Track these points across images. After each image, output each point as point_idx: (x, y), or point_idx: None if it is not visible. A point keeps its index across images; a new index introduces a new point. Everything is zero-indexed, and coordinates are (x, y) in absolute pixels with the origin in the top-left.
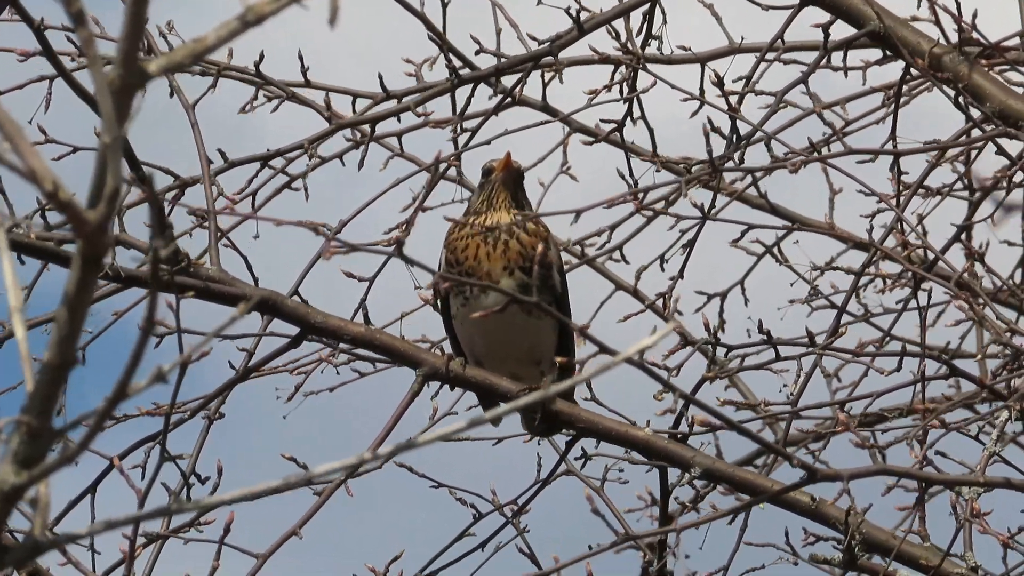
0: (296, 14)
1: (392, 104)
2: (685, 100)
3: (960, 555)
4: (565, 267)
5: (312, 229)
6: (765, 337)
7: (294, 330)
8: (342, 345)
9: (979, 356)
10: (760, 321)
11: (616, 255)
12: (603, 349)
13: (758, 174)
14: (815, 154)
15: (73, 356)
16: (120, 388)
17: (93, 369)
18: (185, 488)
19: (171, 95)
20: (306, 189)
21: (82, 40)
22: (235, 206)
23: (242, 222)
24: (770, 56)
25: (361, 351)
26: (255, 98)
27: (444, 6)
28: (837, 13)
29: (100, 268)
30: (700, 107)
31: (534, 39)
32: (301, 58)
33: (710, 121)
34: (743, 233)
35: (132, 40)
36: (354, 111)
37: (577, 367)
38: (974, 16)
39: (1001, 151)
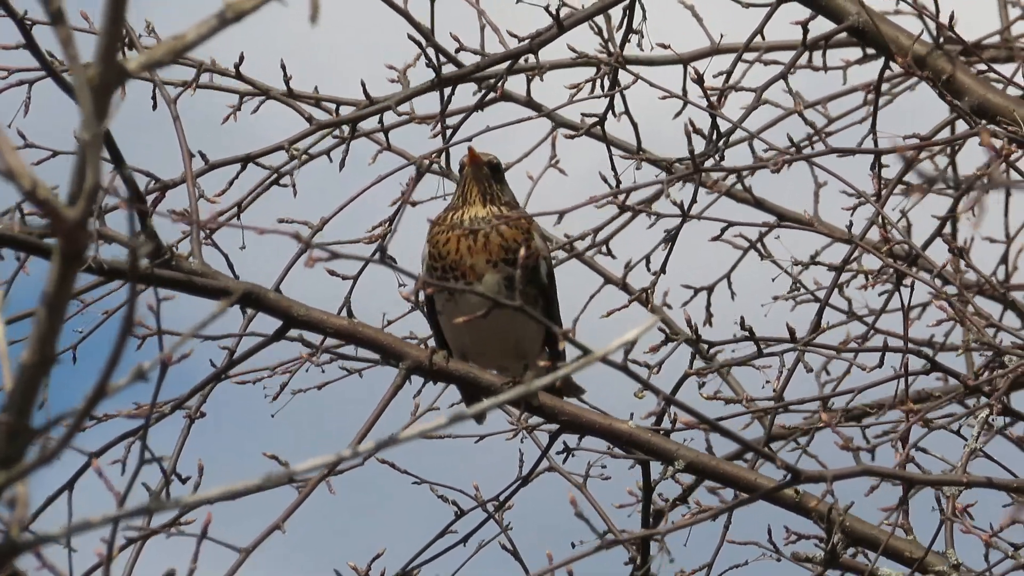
0: (278, 17)
1: (375, 105)
2: (664, 98)
3: (942, 552)
4: (553, 262)
5: (294, 236)
6: (748, 333)
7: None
8: (325, 343)
9: (962, 351)
10: (743, 317)
11: (603, 249)
12: (583, 351)
13: (742, 172)
14: (797, 151)
15: (53, 354)
16: (100, 387)
17: (84, 369)
18: (165, 487)
19: (153, 98)
20: (294, 186)
21: (62, 38)
22: (218, 206)
23: (220, 227)
24: (751, 56)
25: (343, 351)
26: (238, 108)
27: (432, 1)
28: (817, 8)
29: (80, 265)
30: (684, 107)
31: (515, 36)
32: (284, 67)
33: (691, 122)
34: (723, 231)
35: (111, 38)
36: (337, 116)
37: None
38: (951, 19)
39: (985, 143)
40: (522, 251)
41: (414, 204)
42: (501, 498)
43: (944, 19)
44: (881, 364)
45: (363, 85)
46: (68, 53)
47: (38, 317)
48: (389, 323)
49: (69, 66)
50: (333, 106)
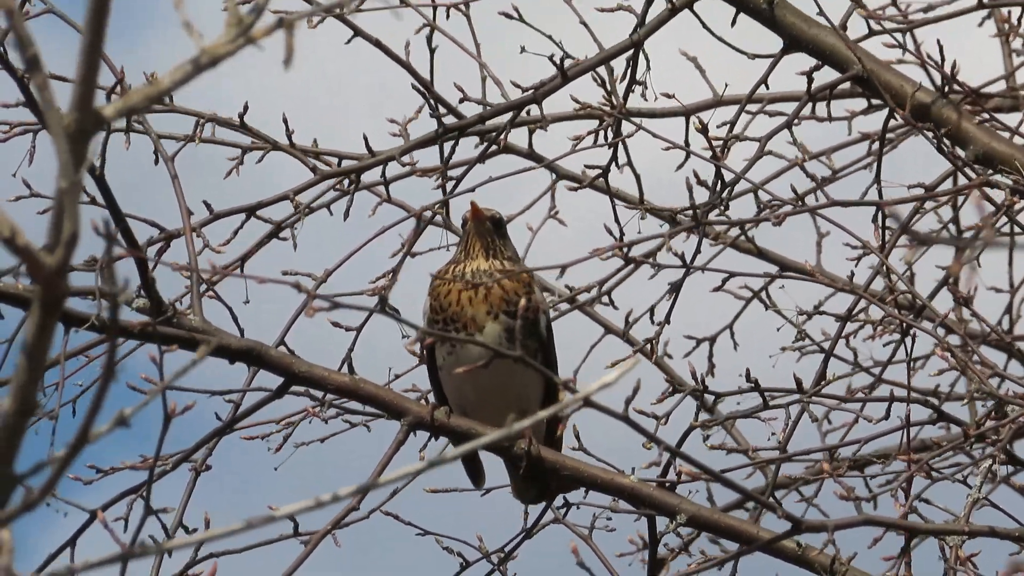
0: (278, 72)
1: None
2: (667, 149)
3: None
4: (554, 313)
5: (295, 286)
6: (753, 385)
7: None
8: (329, 398)
9: (967, 400)
10: (748, 369)
11: (605, 300)
12: (584, 400)
13: (745, 225)
14: (800, 203)
15: (34, 402)
16: (81, 434)
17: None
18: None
19: (155, 151)
20: (294, 240)
21: (38, 84)
22: (221, 258)
23: (223, 278)
24: (755, 106)
25: (347, 403)
26: (241, 161)
27: (431, 52)
28: (822, 58)
29: (59, 313)
30: (687, 159)
31: (518, 87)
32: (286, 121)
33: (696, 173)
34: (724, 281)
35: (87, 84)
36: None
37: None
38: (953, 67)
39: (986, 197)
40: (522, 302)
41: (414, 255)
42: (506, 550)
43: (948, 67)
44: (887, 416)
45: (365, 139)
46: (44, 99)
47: (18, 366)
48: (397, 377)
49: (45, 113)
50: (334, 160)
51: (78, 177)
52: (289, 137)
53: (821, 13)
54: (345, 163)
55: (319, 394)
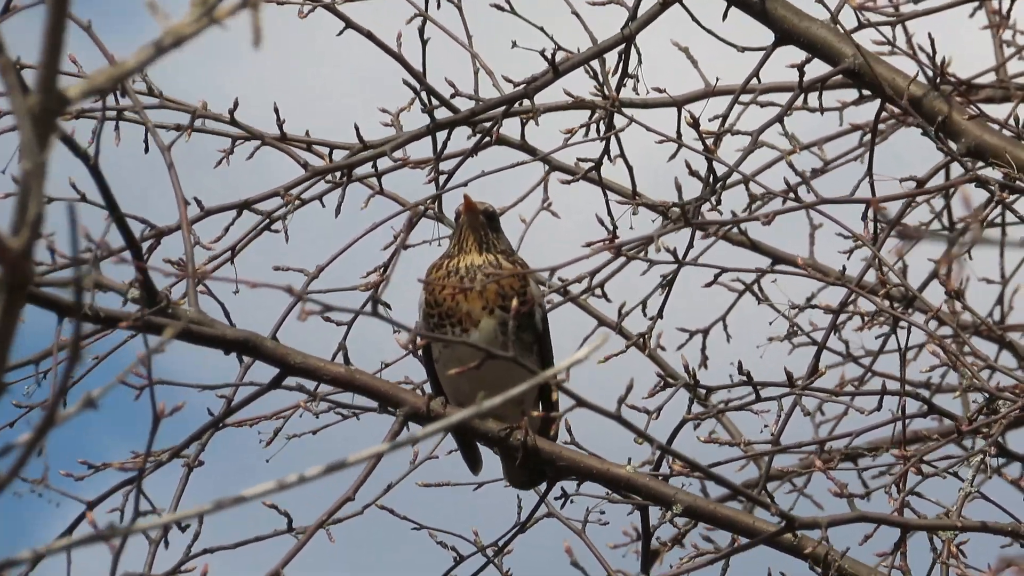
0: (270, 64)
1: (369, 150)
2: (661, 142)
3: None
4: (548, 306)
5: (287, 290)
6: (745, 378)
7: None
8: (322, 391)
9: (959, 392)
10: (740, 362)
11: (598, 292)
12: (576, 400)
13: (738, 218)
14: (792, 195)
15: (3, 384)
16: (48, 416)
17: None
18: (164, 536)
19: (145, 141)
20: (286, 232)
21: (1, 67)
22: (213, 253)
23: (212, 275)
24: (747, 98)
25: (339, 398)
26: (231, 152)
27: (423, 44)
28: (813, 51)
29: (25, 295)
30: (678, 150)
31: (509, 81)
32: (277, 111)
33: (688, 165)
34: (716, 276)
35: (50, 66)
36: (331, 162)
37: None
38: (943, 62)
39: (981, 184)
40: (515, 302)
41: (406, 247)
42: (500, 543)
43: (939, 59)
44: (879, 408)
45: (357, 129)
46: (7, 82)
47: None
48: (386, 366)
49: (9, 96)
50: (326, 150)
51: (42, 158)
52: (280, 127)
53: (820, 1)
54: (336, 157)
55: (311, 387)
